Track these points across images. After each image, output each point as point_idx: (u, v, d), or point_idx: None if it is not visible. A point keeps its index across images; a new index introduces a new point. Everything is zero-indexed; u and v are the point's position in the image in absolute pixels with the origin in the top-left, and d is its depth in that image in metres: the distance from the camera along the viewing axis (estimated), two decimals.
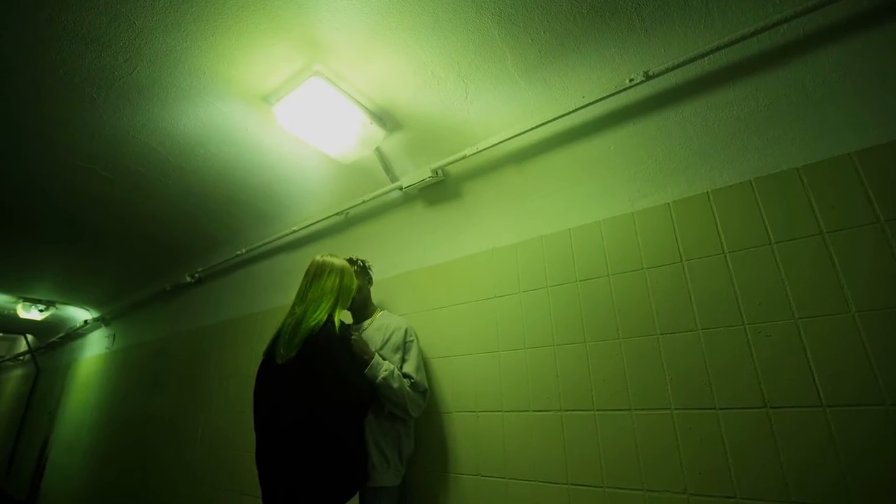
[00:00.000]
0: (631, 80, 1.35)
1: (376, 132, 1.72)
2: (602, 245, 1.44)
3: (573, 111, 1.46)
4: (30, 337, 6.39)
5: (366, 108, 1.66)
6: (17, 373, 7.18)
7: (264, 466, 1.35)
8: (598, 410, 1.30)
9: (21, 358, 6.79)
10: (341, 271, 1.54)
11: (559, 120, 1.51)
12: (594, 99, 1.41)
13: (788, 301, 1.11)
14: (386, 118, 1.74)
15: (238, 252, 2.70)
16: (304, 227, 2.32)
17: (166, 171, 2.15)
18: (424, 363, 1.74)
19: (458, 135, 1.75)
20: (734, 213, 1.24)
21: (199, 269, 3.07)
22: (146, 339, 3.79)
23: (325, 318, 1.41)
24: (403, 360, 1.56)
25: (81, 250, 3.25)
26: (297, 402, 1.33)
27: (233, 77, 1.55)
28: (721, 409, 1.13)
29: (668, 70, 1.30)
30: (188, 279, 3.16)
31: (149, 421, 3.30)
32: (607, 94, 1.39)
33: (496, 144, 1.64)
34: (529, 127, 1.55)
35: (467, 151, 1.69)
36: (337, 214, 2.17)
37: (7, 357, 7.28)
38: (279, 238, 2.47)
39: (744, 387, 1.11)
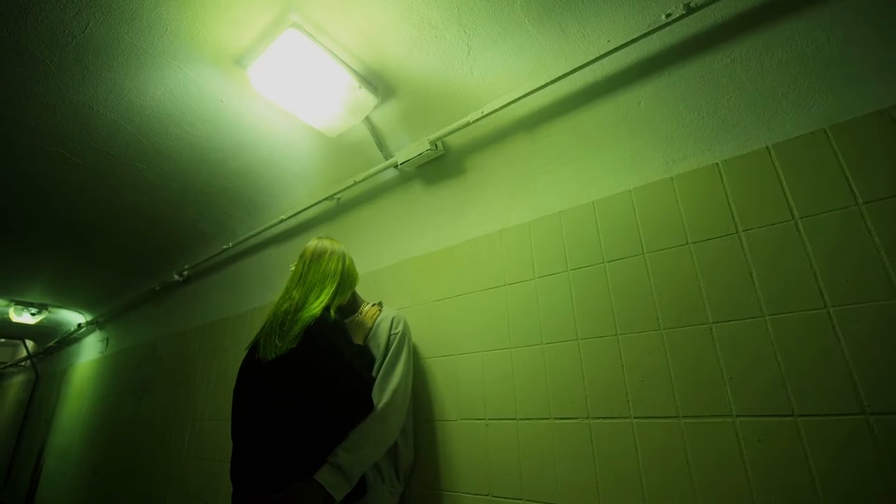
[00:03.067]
0: (668, 16, 1.12)
1: (366, 98, 1.50)
2: (634, 218, 1.19)
3: (596, 59, 1.23)
4: (30, 343, 6.28)
5: (352, 69, 1.44)
6: (19, 379, 7.08)
7: (245, 475, 1.14)
8: (636, 418, 1.05)
9: (22, 364, 6.68)
10: (343, 254, 1.38)
11: (579, 72, 1.28)
12: (622, 42, 1.18)
13: (887, 275, 0.86)
14: (376, 82, 1.52)
15: (225, 246, 2.49)
16: (293, 216, 2.11)
17: (140, 154, 1.95)
18: (416, 368, 1.50)
19: (460, 100, 1.53)
20: (804, 169, 1.00)
21: (186, 267, 2.88)
22: (137, 342, 3.60)
23: (324, 306, 1.22)
24: (382, 362, 1.31)
25: (67, 247, 3.07)
26: (296, 403, 1.13)
27: (198, 33, 1.35)
28: (802, 416, 0.88)
29: (713, 0, 1.07)
30: (176, 277, 2.97)
31: (137, 428, 3.11)
32: (639, 34, 1.16)
33: (504, 107, 1.40)
34: (543, 83, 1.31)
35: (471, 117, 1.46)
36: (327, 199, 1.96)
37: (8, 363, 7.19)
38: (267, 229, 2.26)
39: (831, 387, 0.86)
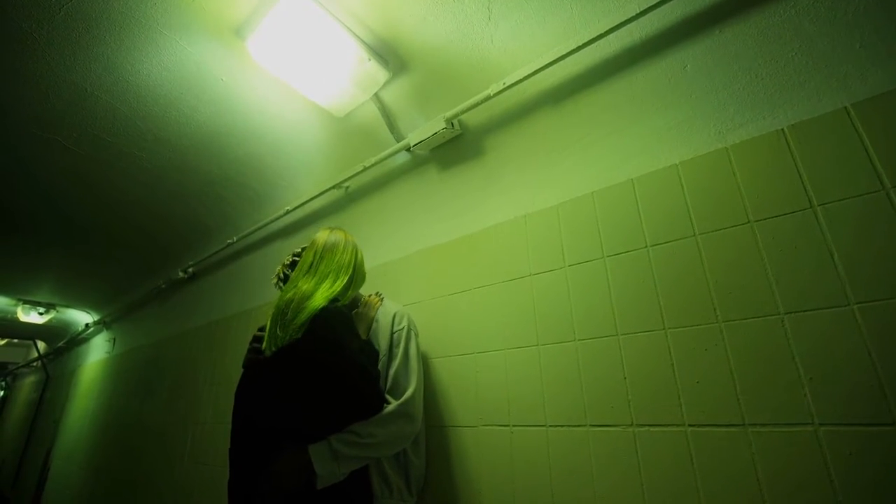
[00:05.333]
0: None
1: (376, 71, 1.37)
2: (682, 195, 1.04)
3: (634, 18, 1.08)
4: (41, 344, 6.29)
5: (361, 39, 1.32)
6: (30, 380, 7.11)
7: (241, 489, 1.02)
8: (690, 426, 0.90)
9: (34, 365, 6.70)
10: (356, 248, 1.28)
11: (614, 34, 1.14)
12: None
13: None
14: (387, 54, 1.39)
15: (229, 241, 2.39)
16: (299, 207, 1.99)
17: (139, 140, 1.86)
18: (429, 368, 1.37)
19: (479, 73, 1.39)
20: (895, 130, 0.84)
21: (190, 263, 2.78)
22: (142, 342, 3.53)
23: (332, 298, 1.11)
24: (390, 361, 1.17)
25: (70, 244, 3.00)
26: (300, 405, 1.01)
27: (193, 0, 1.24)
28: None
29: None
30: (181, 275, 2.88)
31: (140, 431, 3.01)
32: None
33: (528, 77, 1.27)
34: (573, 47, 1.17)
35: (491, 90, 1.32)
36: (335, 188, 1.84)
37: (21, 364, 7.22)
38: (272, 221, 2.15)
39: None
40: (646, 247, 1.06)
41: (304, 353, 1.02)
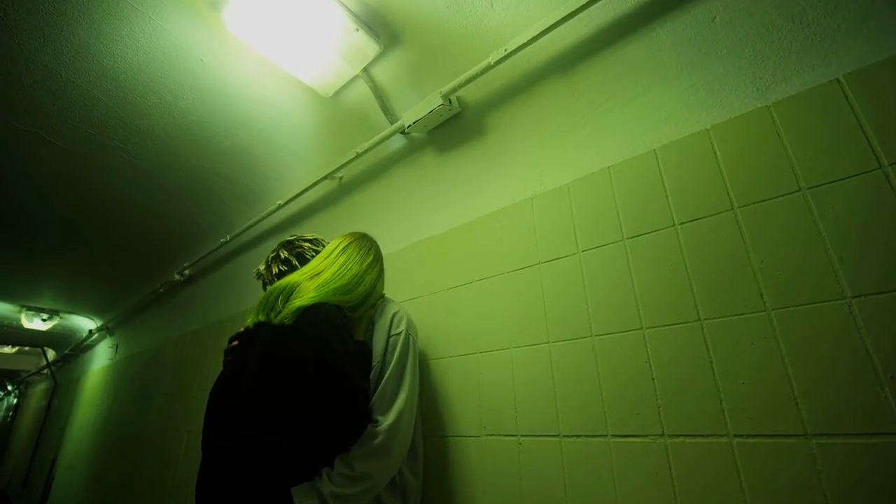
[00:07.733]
0: None
1: (365, 43, 1.25)
2: (715, 164, 0.89)
3: None
4: (50, 351, 6.30)
5: (346, 7, 1.20)
6: (41, 387, 7.13)
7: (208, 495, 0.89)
8: (736, 437, 0.74)
9: (43, 372, 6.72)
10: (382, 271, 1.19)
11: None
12: None
13: None
14: (377, 26, 1.27)
15: (223, 240, 2.29)
16: (291, 200, 1.88)
17: (121, 133, 1.76)
18: (428, 370, 1.22)
19: (478, 44, 1.26)
20: None
21: (186, 265, 2.69)
22: (142, 347, 3.45)
23: (331, 301, 1.00)
24: (382, 368, 1.01)
25: (68, 246, 2.94)
26: (267, 405, 0.88)
27: None
28: None
29: None
30: (177, 277, 2.79)
31: (138, 439, 2.92)
32: None
33: (533, 40, 1.13)
34: (584, 2, 1.03)
35: (492, 58, 1.19)
36: (328, 178, 1.72)
37: (32, 371, 7.26)
38: (264, 217, 2.04)
39: None
40: (673, 225, 0.91)
41: (286, 347, 0.90)
